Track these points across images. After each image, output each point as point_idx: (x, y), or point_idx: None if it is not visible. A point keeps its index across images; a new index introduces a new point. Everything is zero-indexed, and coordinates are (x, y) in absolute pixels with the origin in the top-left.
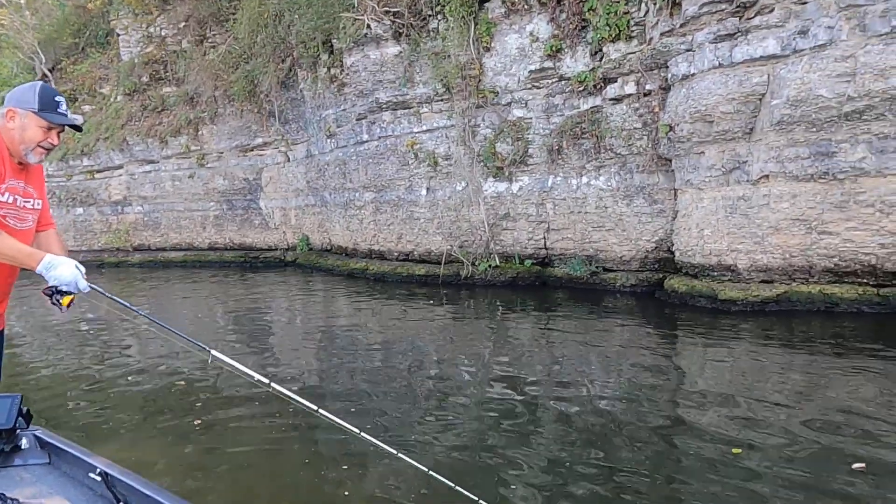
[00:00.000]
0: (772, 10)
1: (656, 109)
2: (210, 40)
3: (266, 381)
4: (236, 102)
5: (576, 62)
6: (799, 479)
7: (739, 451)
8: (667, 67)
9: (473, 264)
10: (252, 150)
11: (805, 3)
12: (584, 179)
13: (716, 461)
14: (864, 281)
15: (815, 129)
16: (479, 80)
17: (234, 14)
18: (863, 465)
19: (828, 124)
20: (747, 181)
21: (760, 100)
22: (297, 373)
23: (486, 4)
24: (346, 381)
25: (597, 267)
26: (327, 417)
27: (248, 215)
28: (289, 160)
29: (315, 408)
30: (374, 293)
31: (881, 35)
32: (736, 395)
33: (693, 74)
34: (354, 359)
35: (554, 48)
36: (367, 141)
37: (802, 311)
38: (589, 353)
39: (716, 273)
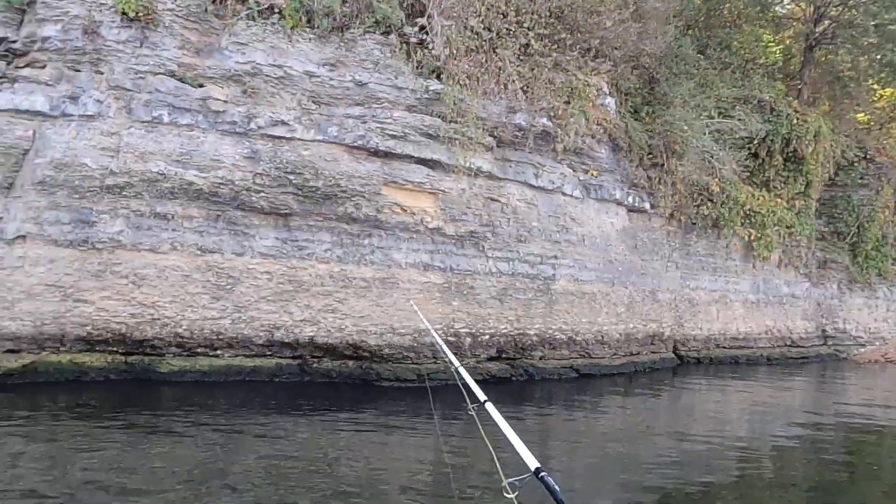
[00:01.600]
0: (44, 67)
1: None
2: None
3: None
4: None
5: None
6: None
7: None
8: None
9: None
10: None
11: (79, 71)
12: None
13: None
14: (115, 349)
15: (77, 196)
16: None
17: None
18: None
19: (90, 193)
20: (2, 240)
21: (24, 155)
22: None
23: None
24: None
25: None
26: None
27: None
28: None
29: None
30: None
31: (144, 122)
32: None
33: None
34: None
35: None
36: None
37: (51, 383)
38: None
39: None
